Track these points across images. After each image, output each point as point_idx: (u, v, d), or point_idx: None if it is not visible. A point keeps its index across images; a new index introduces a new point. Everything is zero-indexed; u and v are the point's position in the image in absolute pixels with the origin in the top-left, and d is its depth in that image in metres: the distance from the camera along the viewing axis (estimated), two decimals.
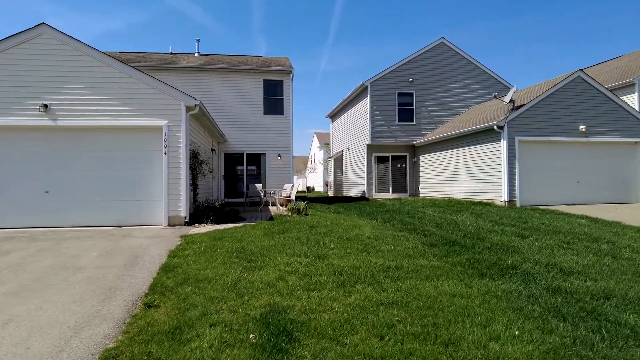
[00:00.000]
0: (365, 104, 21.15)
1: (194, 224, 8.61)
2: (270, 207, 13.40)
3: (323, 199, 21.20)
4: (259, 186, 16.11)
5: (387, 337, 3.14)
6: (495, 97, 15.08)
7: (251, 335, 3.24)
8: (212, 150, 14.01)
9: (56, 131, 8.41)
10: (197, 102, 8.53)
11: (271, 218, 9.55)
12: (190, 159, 9.05)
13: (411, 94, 20.86)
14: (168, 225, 8.49)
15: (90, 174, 8.50)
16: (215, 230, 7.75)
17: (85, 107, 8.37)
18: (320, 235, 7.06)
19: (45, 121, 8.24)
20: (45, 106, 8.19)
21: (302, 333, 3.27)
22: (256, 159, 17.74)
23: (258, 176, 17.81)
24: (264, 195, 15.04)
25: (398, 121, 20.73)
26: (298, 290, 4.22)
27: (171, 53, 20.01)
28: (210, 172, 9.73)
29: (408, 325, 3.38)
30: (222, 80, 17.00)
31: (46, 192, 8.35)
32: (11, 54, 8.19)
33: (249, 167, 17.70)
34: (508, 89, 19.35)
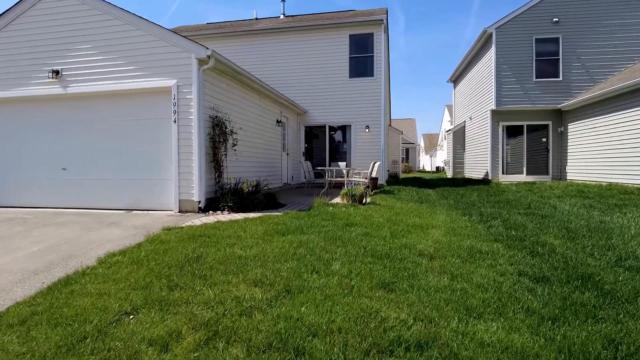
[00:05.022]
0: (489, 57, 16.77)
1: (209, 212, 7.01)
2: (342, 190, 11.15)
3: (432, 182, 17.88)
4: (342, 164, 13.96)
5: None
6: None
7: None
8: (279, 122, 12.35)
9: (68, 100, 7.75)
10: (209, 52, 6.75)
11: (310, 207, 7.33)
12: (212, 129, 7.41)
13: (556, 40, 15.58)
14: (179, 211, 7.09)
15: (103, 149, 7.65)
16: (217, 222, 5.95)
17: (94, 70, 7.47)
18: (341, 243, 4.59)
19: (56, 89, 7.62)
20: (57, 72, 7.53)
21: None
22: (340, 133, 15.56)
23: (343, 153, 15.64)
24: (347, 176, 12.85)
25: (536, 78, 15.83)
26: None
27: (256, 18, 19.03)
28: (234, 145, 7.93)
29: None
30: (301, 41, 15.10)
31: (63, 169, 7.80)
32: (26, 17, 7.75)
33: (332, 143, 15.63)
34: None
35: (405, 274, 3.51)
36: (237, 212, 6.92)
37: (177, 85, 6.99)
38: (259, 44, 15.48)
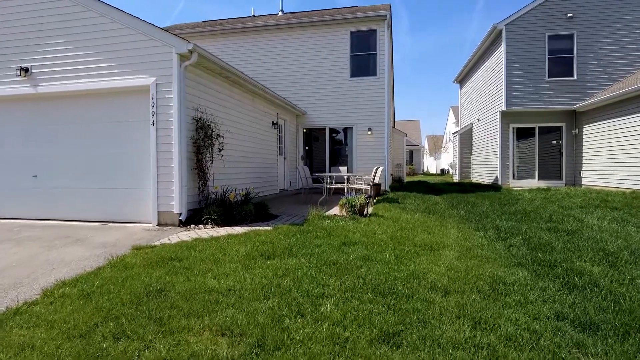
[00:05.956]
0: (498, 55, 16.06)
1: (190, 225, 6.33)
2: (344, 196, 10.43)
3: (438, 187, 17.17)
4: (343, 169, 13.27)
5: None
6: None
7: None
8: (275, 124, 11.68)
9: (38, 100, 7.12)
10: (191, 47, 6.09)
11: (304, 220, 6.64)
12: (196, 132, 6.75)
13: (570, 36, 14.84)
14: (158, 224, 6.41)
15: (77, 155, 7.00)
16: (196, 239, 5.27)
17: (67, 67, 6.83)
18: (335, 271, 3.89)
19: (26, 88, 6.99)
20: (26, 70, 6.89)
21: None
22: (342, 135, 14.87)
23: (345, 156, 14.94)
24: (347, 182, 12.16)
25: (549, 77, 15.10)
26: None
27: (254, 16, 18.40)
28: (221, 150, 7.26)
29: None
30: (300, 39, 14.43)
31: (34, 176, 7.16)
32: None
33: (333, 146, 14.94)
34: None
35: (415, 318, 2.81)
36: (221, 226, 6.24)
37: (156, 84, 6.33)
38: (256, 42, 14.82)
